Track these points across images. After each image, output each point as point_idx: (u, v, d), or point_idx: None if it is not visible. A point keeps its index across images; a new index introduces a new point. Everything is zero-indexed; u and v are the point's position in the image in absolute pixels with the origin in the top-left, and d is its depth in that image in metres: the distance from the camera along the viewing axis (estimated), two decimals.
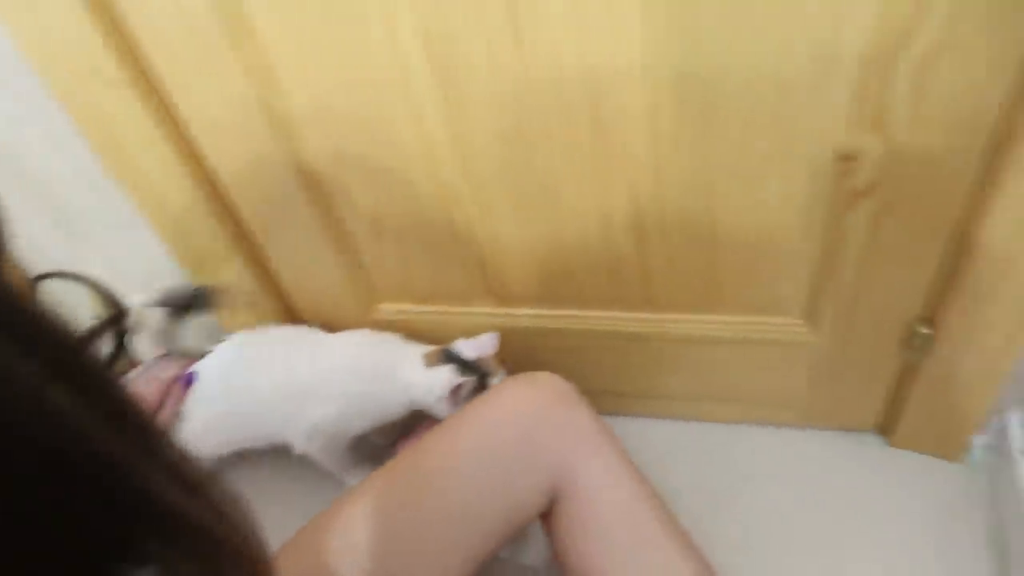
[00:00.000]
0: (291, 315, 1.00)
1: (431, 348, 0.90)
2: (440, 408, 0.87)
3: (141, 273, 0.99)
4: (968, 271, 0.72)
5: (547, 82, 0.66)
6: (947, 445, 0.95)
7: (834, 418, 1.00)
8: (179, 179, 0.83)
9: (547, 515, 0.73)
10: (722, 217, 0.75)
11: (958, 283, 0.74)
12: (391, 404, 0.91)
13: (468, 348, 0.89)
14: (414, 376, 0.88)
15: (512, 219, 0.81)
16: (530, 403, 0.73)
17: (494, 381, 0.88)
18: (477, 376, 0.86)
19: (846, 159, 0.67)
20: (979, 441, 0.96)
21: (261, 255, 0.94)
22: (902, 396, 0.91)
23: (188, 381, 0.93)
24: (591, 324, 0.92)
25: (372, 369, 0.90)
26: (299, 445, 0.93)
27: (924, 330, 0.80)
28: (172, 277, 0.98)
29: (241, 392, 0.91)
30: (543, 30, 0.62)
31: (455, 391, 0.85)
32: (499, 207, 0.80)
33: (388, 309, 0.98)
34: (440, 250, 0.87)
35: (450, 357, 0.88)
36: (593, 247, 0.82)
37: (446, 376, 0.86)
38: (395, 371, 0.89)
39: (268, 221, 0.89)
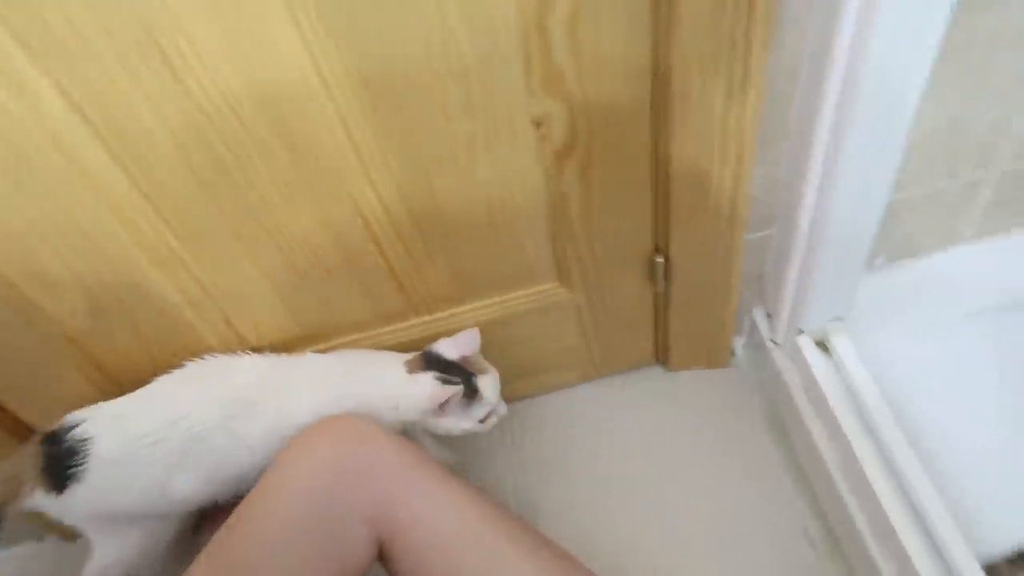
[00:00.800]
0: (19, 429, 0.87)
1: (412, 354, 0.84)
2: (431, 422, 0.81)
3: None
4: (676, 195, 0.78)
5: (225, 114, 0.62)
6: (714, 354, 1.04)
7: (618, 363, 1.06)
8: None
9: (383, 558, 0.71)
10: (449, 206, 0.75)
11: (673, 208, 0.80)
12: (387, 422, 0.81)
13: (448, 348, 0.83)
14: (398, 387, 0.80)
15: (243, 264, 0.76)
16: (327, 457, 0.69)
17: (482, 380, 0.82)
18: (462, 379, 0.80)
19: (540, 125, 0.70)
20: (739, 342, 1.07)
21: None
22: (664, 325, 0.99)
23: None
24: (364, 346, 0.90)
25: (365, 388, 0.81)
26: None
27: (660, 259, 0.87)
28: None
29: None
30: (200, 62, 0.58)
31: (443, 406, 0.79)
32: (224, 256, 0.74)
33: None
34: (177, 319, 0.79)
35: (431, 360, 0.82)
36: (336, 270, 0.79)
37: (428, 387, 0.79)
38: (380, 383, 0.81)
39: None
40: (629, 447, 1.02)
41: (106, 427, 0.74)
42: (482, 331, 0.91)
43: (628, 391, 1.07)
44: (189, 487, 0.78)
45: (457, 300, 0.88)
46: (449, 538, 0.70)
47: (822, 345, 0.92)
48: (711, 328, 0.98)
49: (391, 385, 0.81)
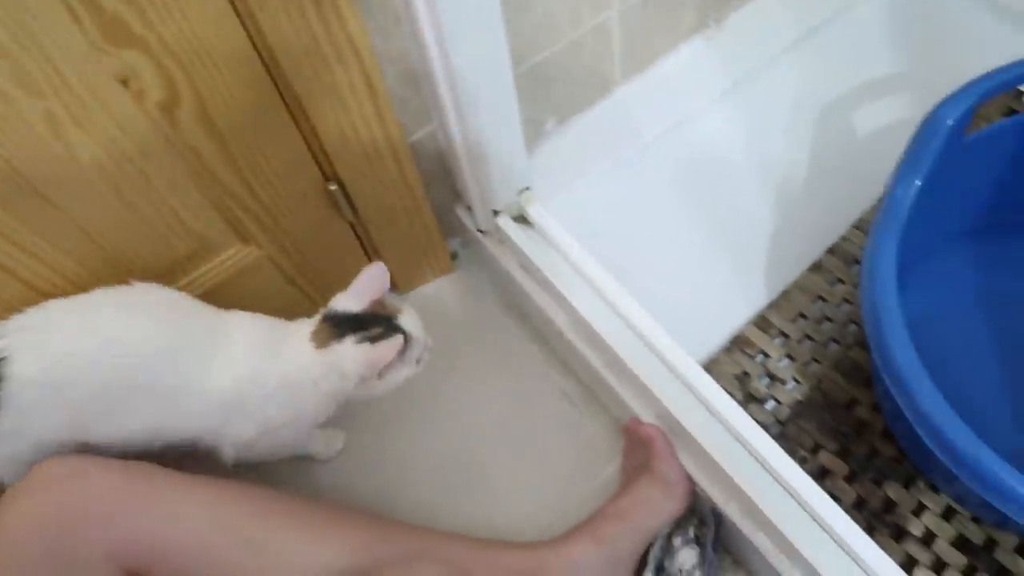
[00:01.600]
0: None
1: (312, 323, 0.73)
2: (368, 386, 0.72)
3: None
4: (316, 116, 0.74)
5: None
6: (436, 263, 1.04)
7: None
8: None
9: None
10: (67, 201, 0.66)
11: (320, 131, 0.76)
12: (310, 408, 0.74)
13: (349, 300, 0.72)
14: (313, 366, 0.70)
15: None
16: (38, 514, 0.62)
17: (404, 319, 0.74)
18: (384, 328, 0.71)
19: (127, 81, 0.63)
20: (455, 244, 1.08)
21: None
22: (375, 250, 0.97)
23: None
24: None
25: (279, 367, 0.71)
26: (230, 456, 0.74)
27: (334, 186, 0.84)
28: None
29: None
30: None
31: (387, 367, 0.70)
32: None
33: None
34: None
35: (339, 322, 0.71)
36: None
37: (358, 354, 0.69)
38: (289, 362, 0.71)
39: None
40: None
41: (25, 341, 0.62)
42: None
43: None
44: (118, 428, 0.68)
45: None
46: (206, 544, 0.66)
47: (521, 219, 0.95)
48: (420, 239, 0.98)
49: (303, 366, 0.71)
